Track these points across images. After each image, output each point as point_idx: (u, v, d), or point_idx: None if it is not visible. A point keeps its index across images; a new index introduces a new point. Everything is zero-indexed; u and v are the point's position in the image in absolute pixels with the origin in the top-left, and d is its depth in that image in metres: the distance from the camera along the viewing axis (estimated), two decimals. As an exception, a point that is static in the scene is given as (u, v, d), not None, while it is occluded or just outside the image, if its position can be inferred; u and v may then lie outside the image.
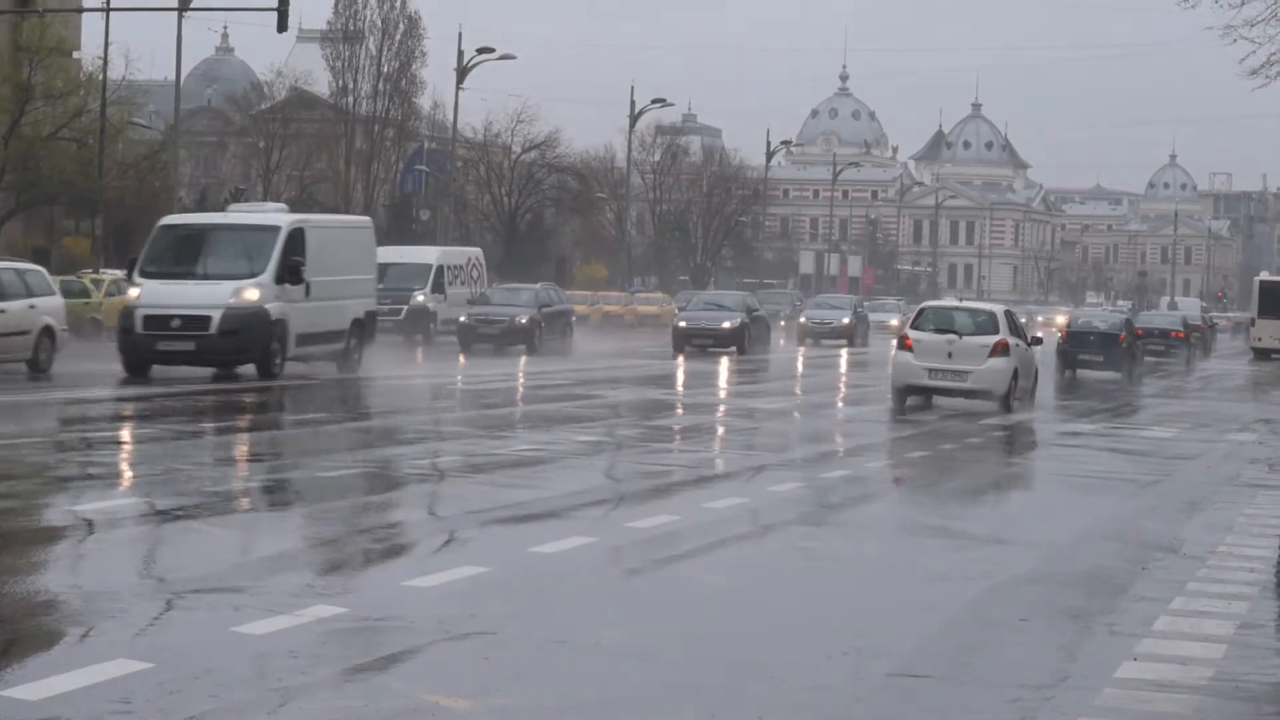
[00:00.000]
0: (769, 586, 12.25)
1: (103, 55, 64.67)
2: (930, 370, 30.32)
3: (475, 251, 65.46)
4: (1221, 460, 23.48)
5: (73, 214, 73.18)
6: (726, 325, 54.53)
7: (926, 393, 31.14)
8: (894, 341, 34.60)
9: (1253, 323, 68.72)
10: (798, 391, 38.81)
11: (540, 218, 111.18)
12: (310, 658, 9.21)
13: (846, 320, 66.40)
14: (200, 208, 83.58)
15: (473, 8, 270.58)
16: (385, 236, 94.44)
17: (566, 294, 65.54)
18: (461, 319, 52.55)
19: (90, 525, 13.74)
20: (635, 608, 11.41)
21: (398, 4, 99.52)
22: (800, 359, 53.80)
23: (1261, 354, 63.91)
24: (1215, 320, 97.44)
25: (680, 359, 49.27)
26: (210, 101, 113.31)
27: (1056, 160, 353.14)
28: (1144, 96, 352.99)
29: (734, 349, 53.58)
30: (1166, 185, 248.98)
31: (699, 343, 53.67)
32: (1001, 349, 30.31)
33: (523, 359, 46.30)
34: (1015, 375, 30.61)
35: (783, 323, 72.49)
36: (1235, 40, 36.14)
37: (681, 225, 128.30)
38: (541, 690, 8.80)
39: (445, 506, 16.07)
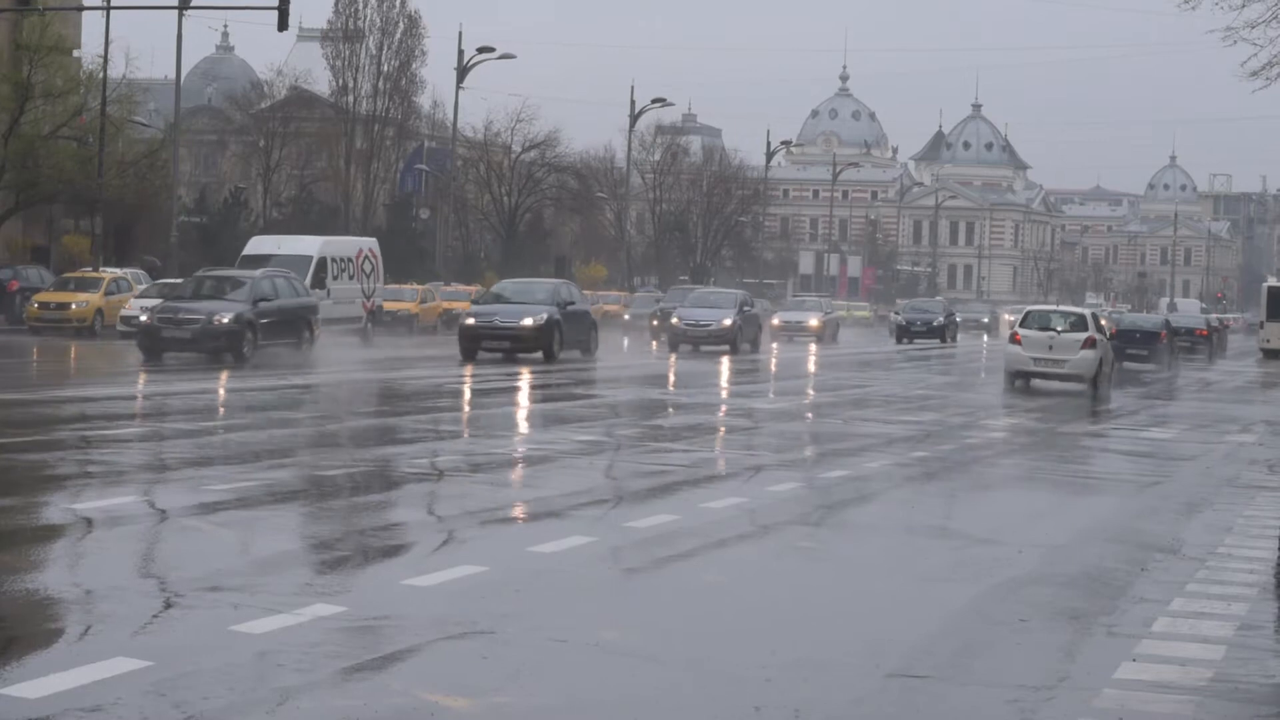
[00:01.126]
0: (767, 586, 12.25)
1: (103, 54, 64.72)
2: (1035, 359, 38.64)
3: (368, 242, 60.87)
4: (1221, 461, 23.48)
5: (72, 213, 73.19)
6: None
7: (1031, 377, 39.20)
8: (989, 337, 56.41)
9: (1261, 325, 75.46)
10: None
11: (540, 217, 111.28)
12: (309, 657, 9.21)
13: (728, 322, 54.59)
14: (199, 207, 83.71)
15: (473, 7, 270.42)
16: (385, 236, 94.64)
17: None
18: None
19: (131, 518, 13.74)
20: (635, 607, 11.41)
21: (398, 3, 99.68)
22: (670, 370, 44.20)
23: (1270, 354, 70.85)
24: (1228, 322, 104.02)
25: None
26: (210, 100, 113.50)
27: (1056, 161, 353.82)
28: (1144, 98, 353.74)
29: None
30: (1166, 186, 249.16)
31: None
32: (1090, 343, 38.51)
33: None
34: (1100, 363, 38.71)
35: (655, 321, 64.96)
36: (1235, 42, 36.18)
37: (681, 225, 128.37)
38: (540, 689, 8.81)
39: (445, 506, 16.07)
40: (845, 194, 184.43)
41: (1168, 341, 57.54)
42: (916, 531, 15.53)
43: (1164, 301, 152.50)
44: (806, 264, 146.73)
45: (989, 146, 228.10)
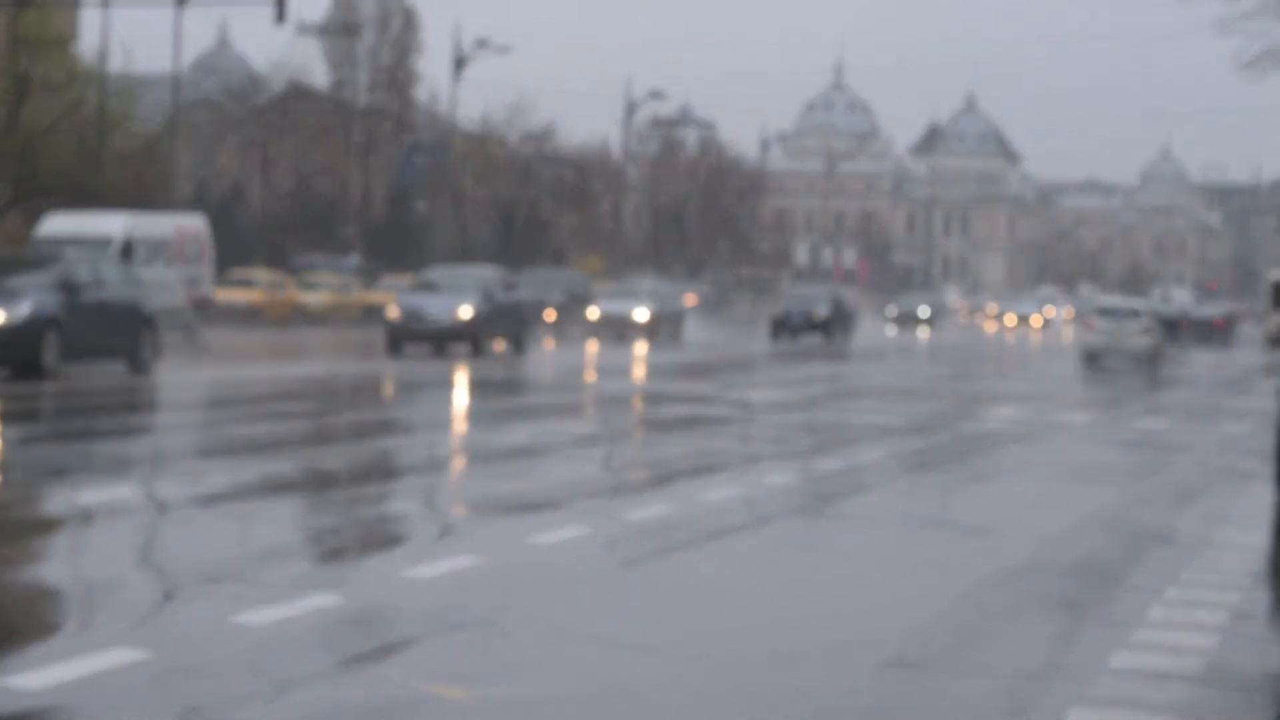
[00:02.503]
0: (764, 576, 12.29)
1: (101, 48, 64.70)
2: (1106, 342, 49.88)
3: (192, 221, 54.16)
4: (1215, 451, 23.53)
5: (71, 206, 73.11)
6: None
7: (1103, 355, 49.64)
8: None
9: (1266, 316, 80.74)
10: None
11: (537, 210, 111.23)
12: (308, 647, 9.25)
13: (465, 314, 42.85)
14: (198, 201, 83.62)
15: (470, 1, 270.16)
16: (383, 230, 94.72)
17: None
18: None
19: (90, 515, 13.76)
20: (633, 598, 11.45)
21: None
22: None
23: (1276, 342, 74.21)
24: (1242, 313, 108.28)
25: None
26: (208, 94, 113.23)
27: (1050, 153, 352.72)
28: (1138, 89, 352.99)
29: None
30: (1160, 178, 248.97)
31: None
32: (1148, 329, 50.16)
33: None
34: (1155, 345, 50.56)
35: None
36: (1229, 34, 36.25)
37: (677, 218, 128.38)
38: (538, 680, 8.83)
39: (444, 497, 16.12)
40: (840, 186, 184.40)
41: (1187, 328, 73.63)
42: (912, 522, 15.58)
43: (1157, 292, 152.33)
44: (801, 256, 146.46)
45: (983, 139, 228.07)
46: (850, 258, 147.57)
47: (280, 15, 57.93)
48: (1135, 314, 51.66)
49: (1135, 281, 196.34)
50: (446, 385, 33.63)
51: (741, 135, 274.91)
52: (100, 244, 44.61)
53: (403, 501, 15.66)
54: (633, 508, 15.13)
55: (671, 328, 56.01)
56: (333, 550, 12.57)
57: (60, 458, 18.16)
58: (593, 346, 52.17)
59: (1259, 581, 12.79)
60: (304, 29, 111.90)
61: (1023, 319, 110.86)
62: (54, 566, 11.86)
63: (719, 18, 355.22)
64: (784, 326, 65.12)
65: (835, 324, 66.48)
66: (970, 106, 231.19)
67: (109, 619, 9.90)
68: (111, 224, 48.62)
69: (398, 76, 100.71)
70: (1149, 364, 48.96)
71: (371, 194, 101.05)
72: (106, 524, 13.51)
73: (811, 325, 65.59)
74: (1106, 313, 52.14)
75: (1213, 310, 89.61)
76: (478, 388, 33.56)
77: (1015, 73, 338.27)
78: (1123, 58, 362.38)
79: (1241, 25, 36.06)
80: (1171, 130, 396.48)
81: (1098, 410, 31.39)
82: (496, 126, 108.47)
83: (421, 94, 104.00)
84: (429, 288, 44.44)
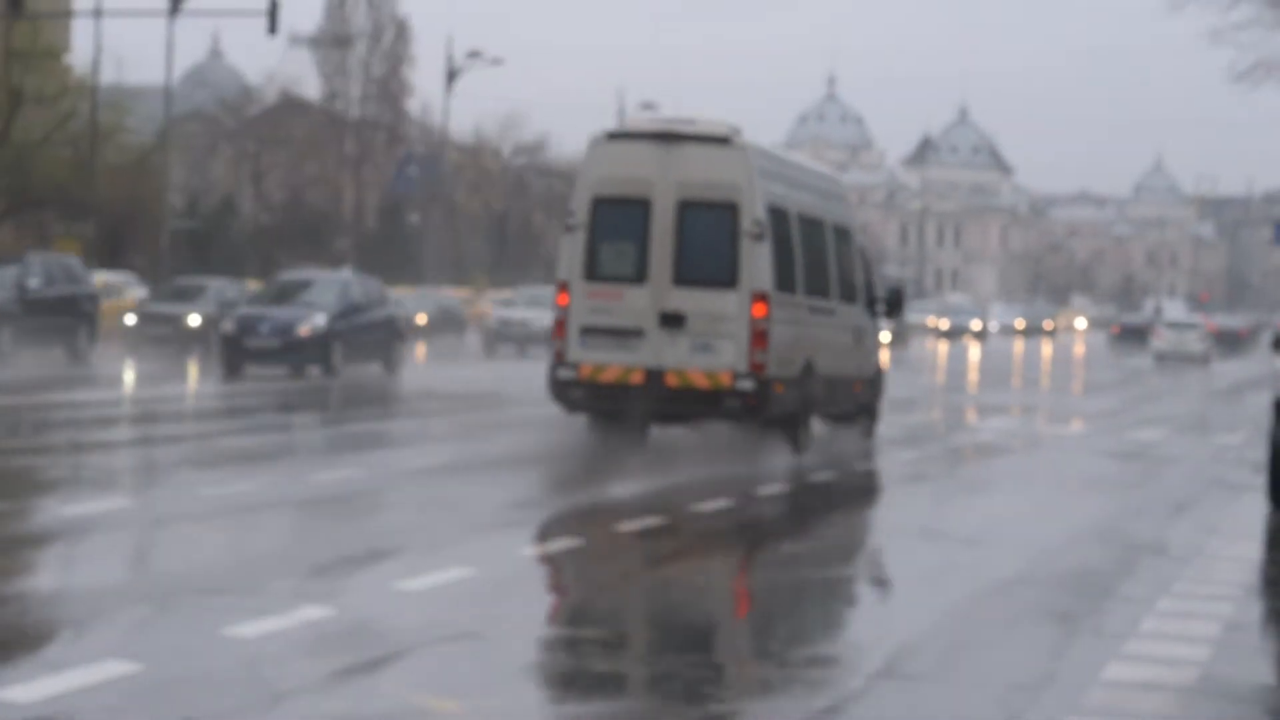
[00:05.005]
0: (755, 587, 12.29)
1: (94, 59, 64.67)
2: (1171, 347, 67.34)
3: None
4: (1208, 462, 23.56)
5: (64, 218, 73.09)
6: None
7: (1168, 357, 66.32)
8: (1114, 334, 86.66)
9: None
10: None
11: (529, 221, 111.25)
12: (300, 659, 9.24)
13: (306, 329, 35.76)
14: (191, 212, 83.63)
15: (462, 13, 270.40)
16: (375, 242, 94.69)
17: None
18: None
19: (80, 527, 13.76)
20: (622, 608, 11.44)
21: (387, 9, 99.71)
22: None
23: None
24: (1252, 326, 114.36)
25: None
26: (201, 106, 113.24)
27: (1043, 164, 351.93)
28: (1130, 101, 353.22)
29: None
30: (1152, 189, 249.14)
31: None
32: (1202, 338, 68.91)
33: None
34: (1208, 350, 68.40)
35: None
36: (1222, 45, 36.31)
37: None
38: (530, 692, 8.84)
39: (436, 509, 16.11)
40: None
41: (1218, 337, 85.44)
42: (904, 532, 15.59)
43: (1150, 304, 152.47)
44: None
45: (976, 150, 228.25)
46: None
47: (272, 27, 57.98)
48: (1193, 326, 71.50)
49: (1128, 293, 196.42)
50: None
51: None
52: None
53: None
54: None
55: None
56: None
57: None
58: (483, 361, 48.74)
59: (1251, 593, 12.80)
60: (296, 40, 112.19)
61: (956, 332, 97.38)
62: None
63: (711, 29, 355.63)
64: (237, 346, 50.61)
65: (331, 345, 56.04)
66: (963, 118, 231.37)
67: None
68: None
69: (390, 88, 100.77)
70: (1203, 363, 65.15)
71: (364, 206, 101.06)
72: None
73: (287, 348, 53.85)
74: (1171, 325, 72.25)
75: (1237, 322, 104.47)
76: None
77: (1008, 84, 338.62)
78: (1115, 69, 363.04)
79: (1234, 36, 36.11)
80: (1164, 142, 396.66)
81: (1092, 421, 31.41)
82: (489, 138, 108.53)
83: (414, 106, 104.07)
84: (278, 296, 37.63)
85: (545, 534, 14.51)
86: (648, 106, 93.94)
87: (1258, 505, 17.68)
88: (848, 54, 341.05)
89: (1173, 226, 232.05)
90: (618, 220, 20.25)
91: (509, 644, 9.81)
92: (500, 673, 9.15)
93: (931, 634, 10.63)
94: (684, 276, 19.97)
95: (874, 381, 24.55)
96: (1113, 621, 11.17)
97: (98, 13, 63.84)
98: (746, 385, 19.68)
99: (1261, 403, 32.26)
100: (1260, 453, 19.53)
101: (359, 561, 12.46)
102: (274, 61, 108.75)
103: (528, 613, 10.85)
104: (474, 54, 78.24)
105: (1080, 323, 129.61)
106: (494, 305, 57.87)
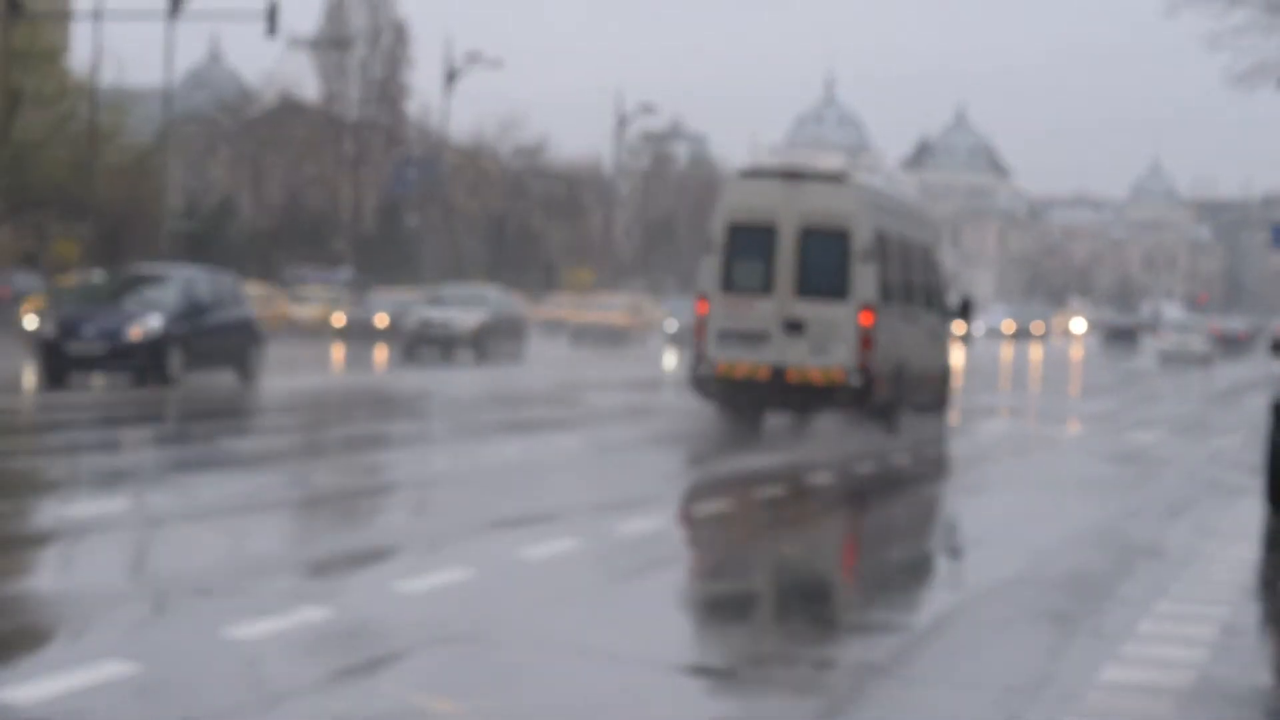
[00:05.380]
0: (754, 589, 12.30)
1: (93, 61, 64.67)
2: (1175, 347, 70.70)
3: None
4: (1204, 464, 23.57)
5: (63, 219, 73.10)
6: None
7: (1173, 358, 69.03)
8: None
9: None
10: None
11: (528, 223, 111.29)
12: (298, 660, 9.25)
13: (137, 330, 31.02)
14: (189, 213, 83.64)
15: (461, 15, 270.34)
16: (374, 243, 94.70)
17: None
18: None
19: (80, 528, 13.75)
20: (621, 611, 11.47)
21: (386, 11, 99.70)
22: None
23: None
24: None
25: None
26: (200, 108, 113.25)
27: (1041, 167, 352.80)
28: (1128, 103, 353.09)
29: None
30: (1150, 192, 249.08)
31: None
32: (1206, 340, 72.64)
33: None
34: (1210, 351, 72.20)
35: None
36: (1219, 49, 36.33)
37: (668, 231, 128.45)
38: (528, 694, 8.85)
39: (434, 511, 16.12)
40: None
41: (1220, 339, 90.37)
42: (903, 535, 15.60)
43: (1147, 307, 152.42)
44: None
45: (973, 153, 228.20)
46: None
47: (272, 29, 58.00)
48: (1196, 328, 76.68)
49: (1125, 295, 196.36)
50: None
51: (733, 149, 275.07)
52: None
53: None
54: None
55: (509, 343, 47.08)
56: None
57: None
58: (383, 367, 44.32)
59: (1249, 595, 12.81)
60: (295, 42, 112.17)
61: None
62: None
63: (710, 32, 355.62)
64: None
65: (139, 351, 51.21)
66: (960, 121, 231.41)
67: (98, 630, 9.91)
68: None
69: (389, 90, 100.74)
70: (1204, 364, 68.26)
71: (362, 207, 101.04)
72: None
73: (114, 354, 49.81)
74: (1175, 327, 77.52)
75: (1238, 325, 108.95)
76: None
77: (1005, 87, 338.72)
78: (1112, 72, 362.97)
79: (1231, 40, 36.12)
80: (1161, 145, 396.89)
81: (1089, 424, 31.41)
82: (488, 140, 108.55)
83: (413, 107, 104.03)
84: (111, 293, 33.49)
85: (693, 499, 17.72)
86: (646, 109, 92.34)
87: (1255, 508, 17.70)
88: (846, 56, 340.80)
89: (1170, 229, 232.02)
90: (749, 243, 24.29)
91: (508, 646, 9.82)
92: (500, 674, 9.17)
93: (929, 635, 10.64)
94: (804, 290, 24.07)
95: (946, 377, 28.96)
96: (1110, 623, 11.18)
97: (97, 14, 63.85)
98: (855, 381, 23.91)
99: (1259, 405, 32.30)
100: (1258, 455, 19.54)
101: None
102: (273, 63, 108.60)
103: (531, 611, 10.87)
104: (473, 56, 78.28)
105: (1078, 325, 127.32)
106: (419, 305, 53.71)
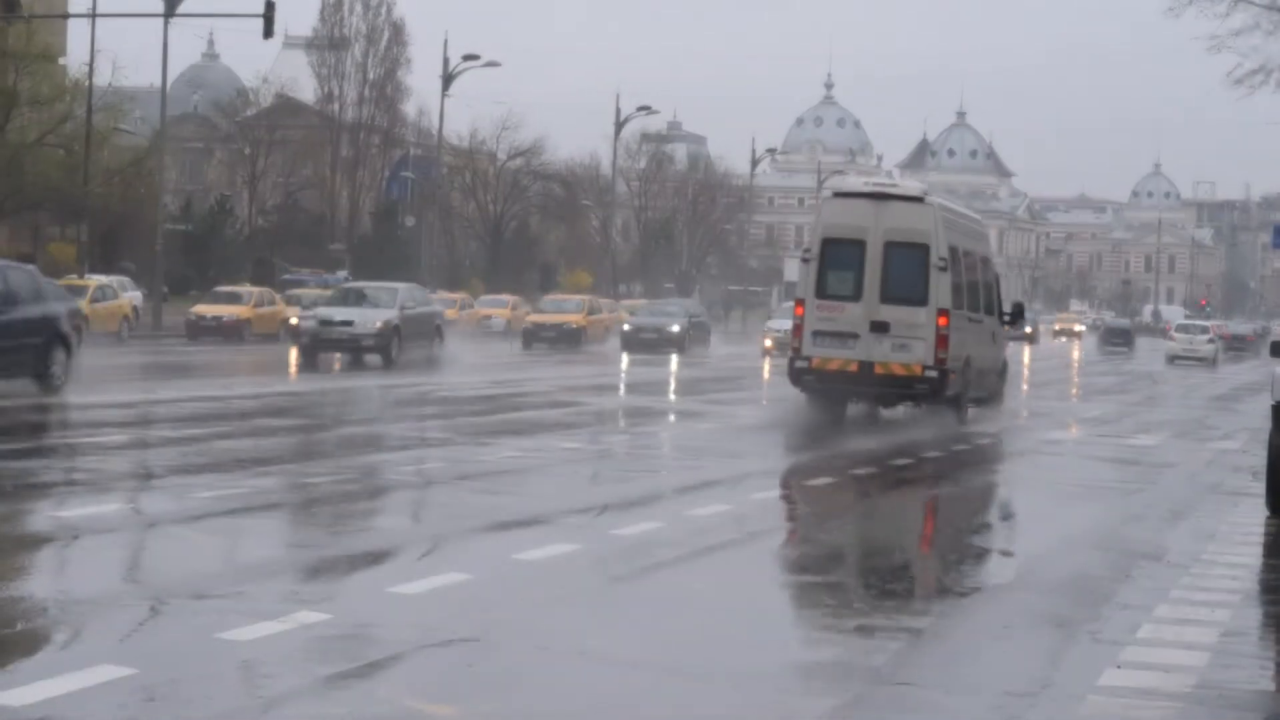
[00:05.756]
0: (752, 593, 12.25)
1: (89, 61, 64.65)
2: (1183, 349, 75.28)
3: None
4: (1205, 468, 23.53)
5: (58, 220, 73.11)
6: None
7: (1180, 358, 73.62)
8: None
9: None
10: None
11: (525, 225, 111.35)
12: (294, 664, 9.21)
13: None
14: (185, 215, 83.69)
15: (459, 15, 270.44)
16: (370, 244, 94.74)
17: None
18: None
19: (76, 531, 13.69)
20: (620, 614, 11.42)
21: (383, 11, 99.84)
22: None
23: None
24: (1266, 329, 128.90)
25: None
26: (196, 108, 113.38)
27: (1041, 169, 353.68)
28: (1128, 105, 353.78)
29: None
30: (1150, 194, 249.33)
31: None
32: (1211, 340, 77.14)
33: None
34: (1216, 351, 76.41)
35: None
36: (1220, 50, 36.27)
37: (666, 233, 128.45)
38: (525, 697, 8.81)
39: (431, 513, 16.07)
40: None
41: (1229, 341, 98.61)
42: (902, 542, 15.56)
43: (1148, 309, 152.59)
44: (791, 272, 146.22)
45: (974, 154, 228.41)
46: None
47: (268, 29, 57.93)
48: (1203, 330, 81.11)
49: (1126, 297, 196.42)
50: None
51: (731, 150, 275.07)
52: None
53: None
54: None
55: (421, 346, 43.14)
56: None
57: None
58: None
59: (1249, 600, 12.77)
60: (292, 43, 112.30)
61: None
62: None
63: (709, 33, 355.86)
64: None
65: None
66: (961, 122, 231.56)
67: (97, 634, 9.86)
68: None
69: (386, 91, 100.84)
70: (1211, 364, 72.63)
71: (359, 208, 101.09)
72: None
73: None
74: (1182, 328, 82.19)
75: (1245, 328, 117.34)
76: None
77: (1006, 88, 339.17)
78: (1113, 74, 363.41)
79: (1232, 42, 36.06)
80: (1162, 146, 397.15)
81: (1089, 427, 31.38)
82: (485, 141, 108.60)
83: (410, 108, 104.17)
84: None
85: (796, 476, 20.81)
86: (645, 110, 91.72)
87: (1256, 511, 17.65)
88: (846, 57, 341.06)
89: (1170, 231, 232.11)
90: (841, 255, 27.36)
91: (505, 650, 9.77)
92: (497, 678, 9.13)
93: (929, 640, 10.60)
94: (888, 296, 27.10)
95: (1002, 372, 32.65)
96: (1110, 628, 11.14)
97: (93, 15, 63.83)
98: (933, 374, 27.05)
99: (1261, 407, 32.27)
100: (1259, 458, 19.51)
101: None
102: (270, 63, 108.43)
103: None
104: (470, 56, 78.22)
105: (1081, 325, 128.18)
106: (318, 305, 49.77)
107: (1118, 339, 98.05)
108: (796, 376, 27.79)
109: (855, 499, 18.48)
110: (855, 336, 27.20)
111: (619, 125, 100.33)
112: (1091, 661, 10.06)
